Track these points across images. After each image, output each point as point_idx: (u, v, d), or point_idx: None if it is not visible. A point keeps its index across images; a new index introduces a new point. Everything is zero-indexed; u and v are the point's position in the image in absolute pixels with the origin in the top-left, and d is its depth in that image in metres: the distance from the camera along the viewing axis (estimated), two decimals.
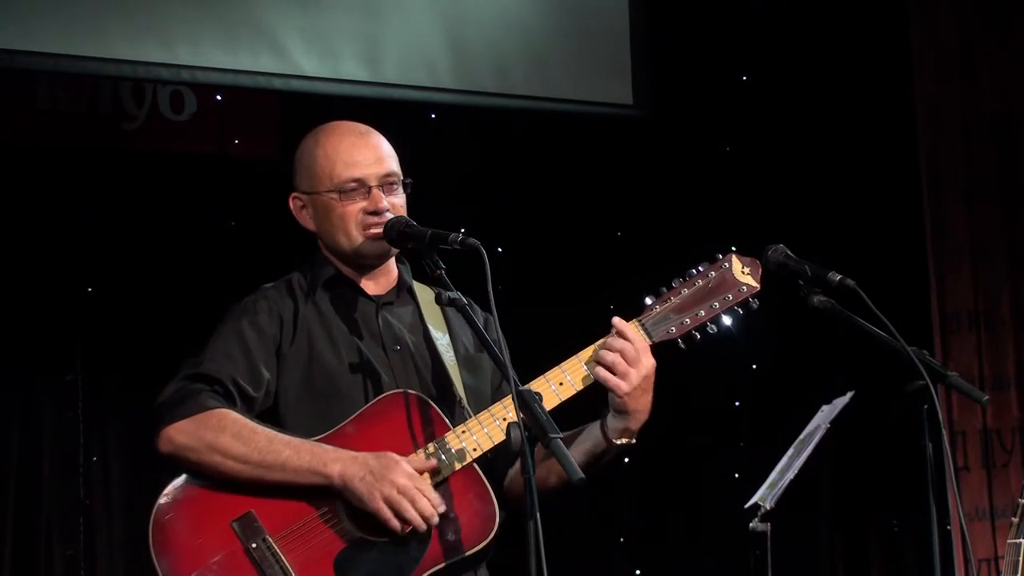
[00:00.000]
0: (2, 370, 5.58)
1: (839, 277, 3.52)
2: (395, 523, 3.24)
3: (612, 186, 6.64)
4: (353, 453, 3.29)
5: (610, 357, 3.35)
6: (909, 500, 6.44)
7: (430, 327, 3.52)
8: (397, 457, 3.28)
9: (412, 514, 3.24)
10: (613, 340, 3.38)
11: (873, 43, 6.76)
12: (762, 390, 6.83)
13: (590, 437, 3.44)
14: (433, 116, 6.22)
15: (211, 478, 3.32)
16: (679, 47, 6.58)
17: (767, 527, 4.52)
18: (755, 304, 3.47)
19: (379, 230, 3.45)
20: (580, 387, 3.38)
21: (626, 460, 6.38)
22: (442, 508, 3.27)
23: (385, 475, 3.24)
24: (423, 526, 3.25)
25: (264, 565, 3.26)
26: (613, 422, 3.40)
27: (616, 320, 3.39)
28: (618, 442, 3.41)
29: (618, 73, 6.22)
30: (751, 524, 4.53)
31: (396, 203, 3.48)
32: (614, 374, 3.34)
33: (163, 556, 3.28)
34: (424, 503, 3.25)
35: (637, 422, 3.39)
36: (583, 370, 3.38)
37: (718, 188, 6.75)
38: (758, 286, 3.47)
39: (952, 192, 6.77)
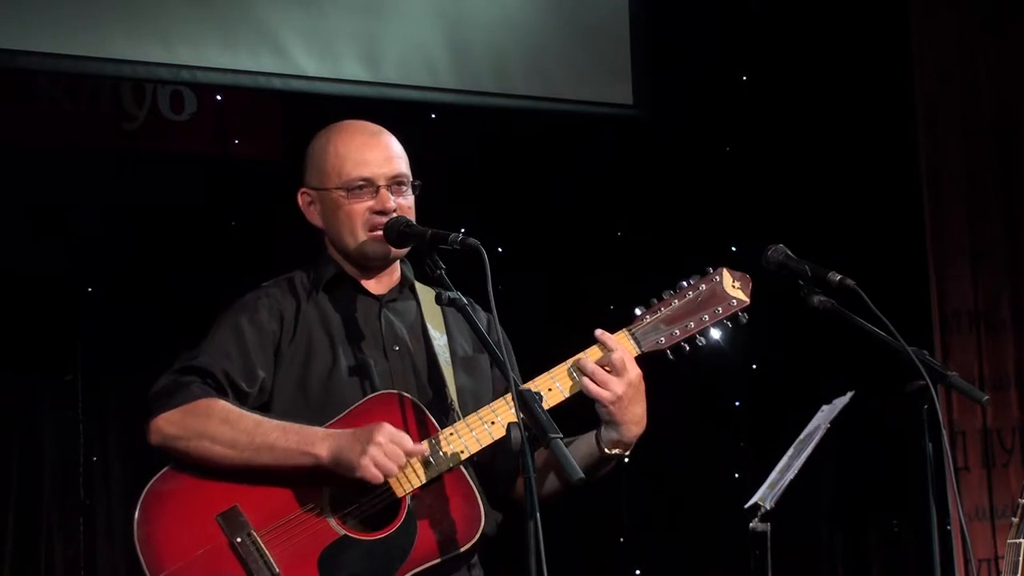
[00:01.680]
0: (2, 370, 5.58)
1: (839, 277, 3.52)
2: (380, 479, 3.23)
3: (612, 186, 6.63)
4: (339, 430, 3.28)
5: (591, 366, 3.35)
6: (909, 500, 6.44)
7: (429, 327, 3.51)
8: (380, 423, 3.26)
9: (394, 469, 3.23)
10: (596, 349, 3.38)
11: (873, 43, 6.75)
12: (762, 390, 6.83)
13: (585, 446, 3.43)
14: (433, 116, 6.21)
15: (198, 470, 3.32)
16: (679, 47, 6.58)
17: (767, 527, 4.52)
18: (744, 318, 3.47)
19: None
20: (568, 395, 3.36)
21: (626, 460, 6.39)
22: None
23: (371, 437, 3.22)
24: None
25: (248, 560, 3.26)
26: (605, 432, 3.40)
27: (599, 332, 3.39)
28: (611, 452, 3.40)
29: (618, 73, 6.22)
30: (751, 524, 4.53)
31: (404, 204, 3.47)
32: (596, 383, 3.33)
33: (147, 549, 3.30)
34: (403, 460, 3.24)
35: (630, 433, 3.38)
36: (572, 378, 3.37)
37: (718, 188, 6.75)
38: (748, 300, 3.47)
39: (952, 192, 6.77)
